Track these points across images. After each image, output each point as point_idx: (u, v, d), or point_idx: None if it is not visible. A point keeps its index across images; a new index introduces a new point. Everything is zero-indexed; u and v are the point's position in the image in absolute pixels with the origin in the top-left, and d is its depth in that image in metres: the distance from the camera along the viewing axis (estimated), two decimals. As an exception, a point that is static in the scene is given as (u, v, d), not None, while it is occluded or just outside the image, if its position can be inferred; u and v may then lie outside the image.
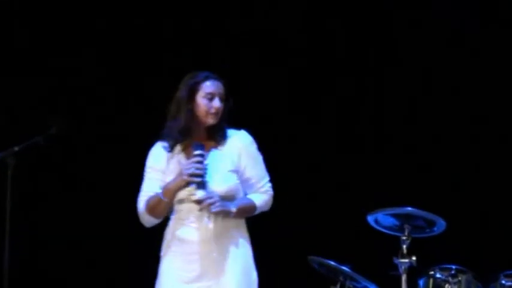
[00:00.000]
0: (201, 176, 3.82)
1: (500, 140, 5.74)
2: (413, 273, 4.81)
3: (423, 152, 5.87)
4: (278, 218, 4.98)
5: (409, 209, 4.65)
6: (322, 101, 6.13)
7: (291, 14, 6.03)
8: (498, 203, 5.59)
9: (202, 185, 3.80)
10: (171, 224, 4.00)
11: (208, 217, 3.87)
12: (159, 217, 3.98)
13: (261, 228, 4.34)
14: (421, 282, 4.87)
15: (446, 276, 4.83)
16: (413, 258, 4.61)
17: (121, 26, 6.20)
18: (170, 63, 6.02)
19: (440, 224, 4.76)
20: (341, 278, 4.96)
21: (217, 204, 3.80)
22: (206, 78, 3.98)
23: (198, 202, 3.81)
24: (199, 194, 3.80)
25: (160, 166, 3.97)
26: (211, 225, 3.88)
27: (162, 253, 4.03)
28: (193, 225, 3.89)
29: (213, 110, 3.92)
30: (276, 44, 6.09)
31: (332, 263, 4.88)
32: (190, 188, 3.81)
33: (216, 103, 3.92)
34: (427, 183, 5.77)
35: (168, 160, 3.95)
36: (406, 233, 4.63)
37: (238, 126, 4.12)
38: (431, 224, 4.76)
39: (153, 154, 4.02)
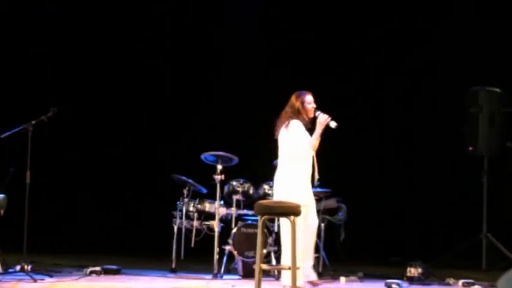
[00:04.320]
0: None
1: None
2: (224, 184, 8.81)
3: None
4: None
5: (220, 152, 8.63)
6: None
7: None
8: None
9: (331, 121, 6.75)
10: (296, 161, 6.85)
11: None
12: None
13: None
14: (226, 187, 8.87)
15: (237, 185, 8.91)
16: (223, 175, 8.67)
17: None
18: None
19: (235, 160, 8.77)
20: (188, 185, 8.87)
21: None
22: (306, 93, 6.77)
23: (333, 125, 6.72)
24: (334, 123, 6.75)
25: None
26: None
27: (294, 173, 6.88)
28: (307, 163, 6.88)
29: (312, 108, 6.80)
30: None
31: (183, 177, 8.83)
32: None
33: (313, 105, 6.85)
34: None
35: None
36: (220, 164, 8.63)
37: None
38: (231, 159, 8.75)
39: (301, 125, 6.78)
